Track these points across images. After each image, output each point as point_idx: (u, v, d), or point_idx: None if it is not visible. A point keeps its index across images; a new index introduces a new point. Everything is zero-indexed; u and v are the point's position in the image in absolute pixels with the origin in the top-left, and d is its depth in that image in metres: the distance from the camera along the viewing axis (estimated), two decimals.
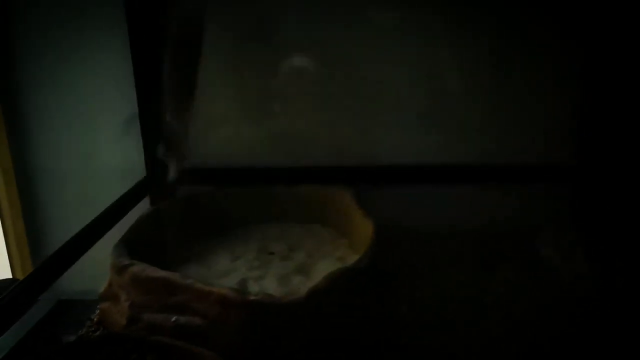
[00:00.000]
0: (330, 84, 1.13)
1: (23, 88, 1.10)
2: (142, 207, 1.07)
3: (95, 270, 0.91)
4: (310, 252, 0.98)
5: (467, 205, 1.12)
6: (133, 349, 0.68)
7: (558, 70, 1.09)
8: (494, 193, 1.12)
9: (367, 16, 1.09)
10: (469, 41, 1.10)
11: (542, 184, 1.14)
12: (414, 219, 1.11)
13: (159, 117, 1.10)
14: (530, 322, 0.80)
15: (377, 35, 1.09)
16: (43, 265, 0.86)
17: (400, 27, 1.09)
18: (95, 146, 1.12)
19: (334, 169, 1.16)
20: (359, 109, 1.14)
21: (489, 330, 0.79)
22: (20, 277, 1.10)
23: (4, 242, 1.10)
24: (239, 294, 0.69)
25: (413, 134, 1.14)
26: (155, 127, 1.10)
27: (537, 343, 0.76)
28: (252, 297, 0.69)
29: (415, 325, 0.79)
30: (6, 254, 1.10)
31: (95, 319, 0.86)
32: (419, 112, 1.13)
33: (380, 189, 1.13)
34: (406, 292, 0.83)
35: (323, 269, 0.91)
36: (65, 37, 1.08)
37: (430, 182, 1.15)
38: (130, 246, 0.84)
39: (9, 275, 1.11)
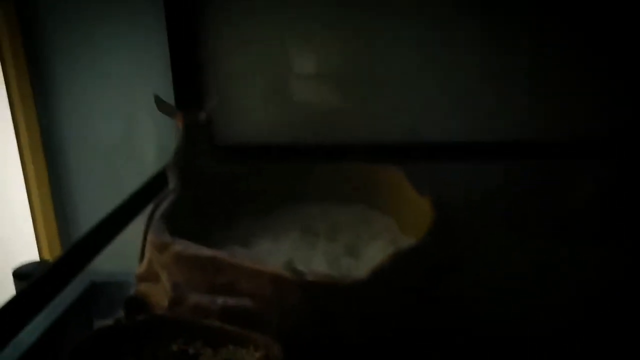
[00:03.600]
0: (363, 62, 1.07)
1: (55, 60, 1.04)
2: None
3: (128, 251, 0.86)
4: (357, 233, 0.91)
5: (512, 181, 1.06)
6: (180, 333, 0.62)
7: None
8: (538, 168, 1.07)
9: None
10: (502, 17, 1.03)
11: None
12: (461, 196, 1.06)
13: (194, 96, 1.05)
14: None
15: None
16: (76, 246, 0.82)
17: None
18: (131, 124, 1.07)
19: (373, 146, 1.10)
20: (396, 87, 1.08)
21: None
22: (47, 258, 1.05)
23: (31, 222, 1.05)
24: (295, 274, 0.63)
25: (454, 112, 1.09)
26: (190, 105, 1.05)
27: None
28: (310, 278, 0.62)
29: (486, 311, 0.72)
30: (33, 235, 1.05)
31: (133, 301, 0.80)
32: (459, 92, 1.08)
33: (422, 166, 1.08)
34: (473, 275, 0.76)
35: (374, 251, 0.85)
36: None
37: (472, 159, 1.10)
38: (169, 223, 0.78)
39: (35, 256, 1.06)
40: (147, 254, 0.76)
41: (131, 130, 1.07)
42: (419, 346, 0.66)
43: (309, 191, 1.04)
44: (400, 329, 0.66)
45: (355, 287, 0.63)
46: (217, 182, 0.98)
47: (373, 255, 0.83)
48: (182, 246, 0.71)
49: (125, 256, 0.88)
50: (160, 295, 0.73)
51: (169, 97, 1.03)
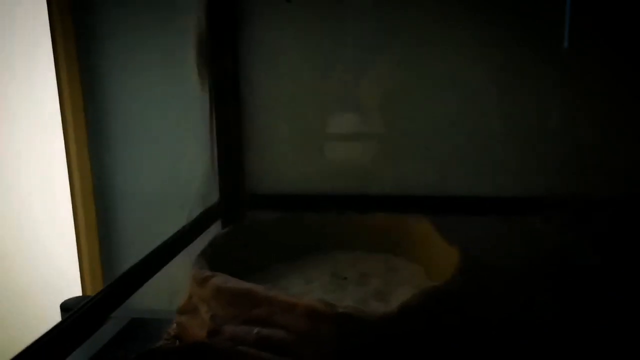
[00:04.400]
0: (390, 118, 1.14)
1: (107, 105, 1.13)
2: (214, 230, 1.08)
3: (168, 289, 0.90)
4: (386, 279, 0.95)
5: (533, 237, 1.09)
6: (217, 359, 0.66)
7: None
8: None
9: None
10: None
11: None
12: (487, 250, 1.08)
13: (232, 142, 1.11)
14: None
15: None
16: (115, 282, 0.86)
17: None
18: (175, 167, 1.14)
19: (401, 197, 1.15)
20: (424, 142, 1.14)
21: None
22: (90, 294, 1.10)
23: (77, 259, 1.11)
24: (328, 306, 0.67)
25: (479, 167, 1.13)
26: (229, 152, 1.12)
27: None
28: (342, 310, 0.66)
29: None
30: (78, 271, 1.11)
31: (172, 333, 0.84)
32: (482, 146, 1.12)
33: (448, 219, 1.12)
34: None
35: (403, 296, 0.88)
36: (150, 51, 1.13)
37: (496, 213, 1.13)
38: (210, 261, 0.83)
39: (79, 293, 1.11)
40: (188, 289, 0.81)
41: (174, 176, 1.14)
42: None
43: (338, 240, 1.08)
44: None
45: (385, 320, 0.66)
46: (255, 225, 1.03)
47: (401, 299, 0.86)
48: (222, 279, 0.75)
49: (164, 295, 0.93)
50: (198, 327, 0.77)
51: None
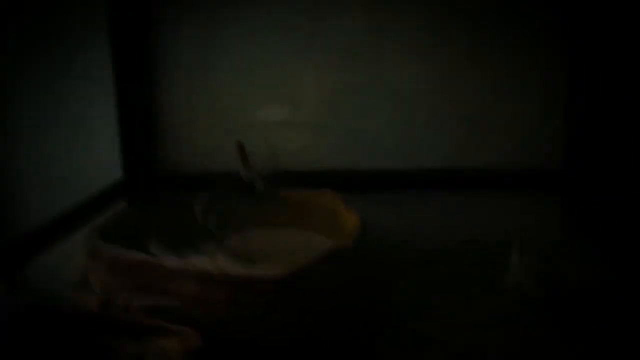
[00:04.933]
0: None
1: None
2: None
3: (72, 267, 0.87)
4: (289, 252, 0.95)
5: (455, 210, 1.12)
6: (105, 329, 0.64)
7: (545, 77, 1.12)
8: (482, 199, 1.13)
9: None
10: (451, 49, 1.13)
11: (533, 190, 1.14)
12: (402, 223, 1.11)
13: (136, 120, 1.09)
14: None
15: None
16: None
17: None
18: (77, 144, 1.10)
19: (318, 174, 1.15)
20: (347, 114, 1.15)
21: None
22: None
23: None
24: (220, 271, 0.67)
25: (397, 140, 1.15)
26: (135, 131, 1.10)
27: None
28: (233, 274, 0.66)
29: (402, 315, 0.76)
30: None
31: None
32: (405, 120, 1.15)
33: (364, 194, 1.14)
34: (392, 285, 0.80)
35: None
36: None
37: (418, 188, 1.16)
38: (106, 235, 0.81)
39: None
40: (82, 262, 0.79)
41: (79, 147, 1.10)
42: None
43: (247, 217, 1.07)
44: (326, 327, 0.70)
45: (278, 282, 0.66)
46: (154, 205, 1.01)
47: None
48: (114, 252, 0.73)
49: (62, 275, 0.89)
50: (93, 300, 0.74)
51: None
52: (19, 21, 1.02)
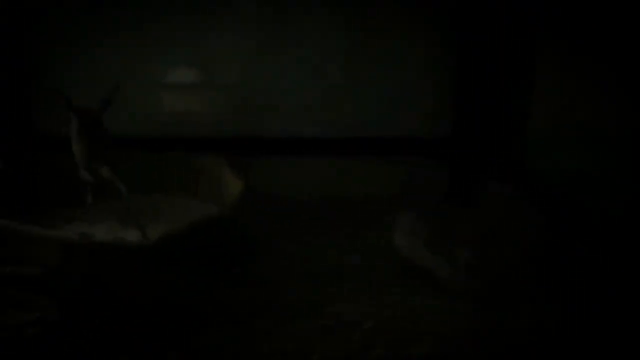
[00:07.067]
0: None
1: None
2: None
3: None
4: (171, 219, 0.93)
5: (345, 175, 1.15)
6: None
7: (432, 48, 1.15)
8: (371, 165, 1.16)
9: None
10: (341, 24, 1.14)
11: (420, 156, 1.19)
12: (292, 188, 1.12)
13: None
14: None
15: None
16: None
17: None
18: None
19: (212, 140, 1.14)
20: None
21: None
22: None
23: None
24: (82, 238, 0.64)
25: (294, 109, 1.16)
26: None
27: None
28: (95, 240, 0.64)
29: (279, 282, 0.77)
30: None
31: None
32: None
33: (260, 159, 1.14)
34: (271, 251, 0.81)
35: None
36: None
37: (311, 154, 1.17)
38: None
39: None
40: None
41: None
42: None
43: (132, 182, 1.04)
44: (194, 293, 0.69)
45: (143, 249, 0.65)
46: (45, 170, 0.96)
47: None
48: None
49: None
50: None
51: None
52: None
